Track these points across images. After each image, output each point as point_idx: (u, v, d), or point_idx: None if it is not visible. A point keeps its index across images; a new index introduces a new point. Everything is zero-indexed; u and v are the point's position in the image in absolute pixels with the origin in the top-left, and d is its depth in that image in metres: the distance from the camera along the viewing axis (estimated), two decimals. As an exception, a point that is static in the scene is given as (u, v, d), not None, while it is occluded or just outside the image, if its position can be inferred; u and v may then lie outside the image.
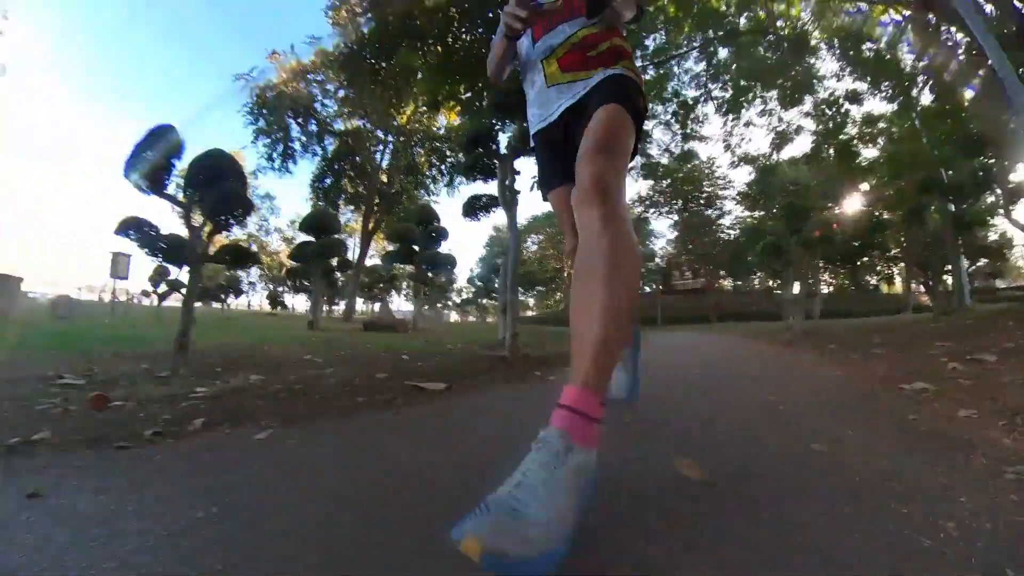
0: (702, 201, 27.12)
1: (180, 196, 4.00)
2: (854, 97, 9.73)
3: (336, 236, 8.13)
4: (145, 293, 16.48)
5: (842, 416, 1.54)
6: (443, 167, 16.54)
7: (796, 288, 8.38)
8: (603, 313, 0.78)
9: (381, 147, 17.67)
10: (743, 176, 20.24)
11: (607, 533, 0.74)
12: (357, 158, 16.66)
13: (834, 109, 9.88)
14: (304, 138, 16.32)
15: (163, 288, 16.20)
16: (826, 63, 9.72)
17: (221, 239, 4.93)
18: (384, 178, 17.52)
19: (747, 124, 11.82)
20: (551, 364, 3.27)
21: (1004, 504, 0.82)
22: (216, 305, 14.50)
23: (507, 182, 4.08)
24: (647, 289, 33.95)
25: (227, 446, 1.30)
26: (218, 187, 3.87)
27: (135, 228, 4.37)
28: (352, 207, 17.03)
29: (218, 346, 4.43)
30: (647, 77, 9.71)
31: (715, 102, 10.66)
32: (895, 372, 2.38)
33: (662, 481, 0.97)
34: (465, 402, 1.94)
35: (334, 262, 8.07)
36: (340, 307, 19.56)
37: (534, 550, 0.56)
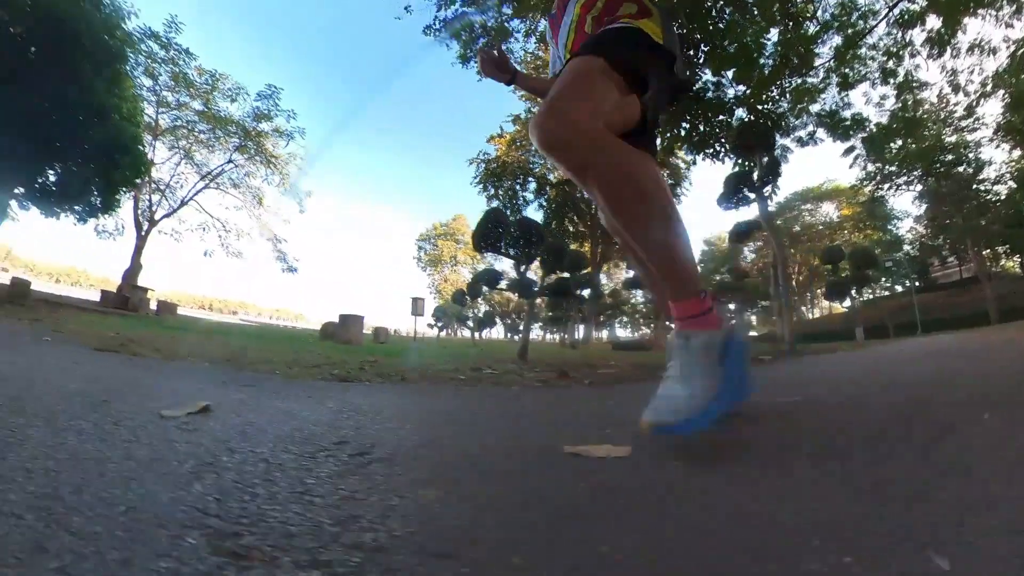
0: (948, 157, 18.87)
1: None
2: None
3: (586, 272, 9.80)
4: (430, 326, 22.04)
5: None
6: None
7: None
8: (645, 247, 0.97)
9: (596, 187, 19.71)
10: (996, 108, 14.03)
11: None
12: (575, 201, 19.10)
13: None
14: (527, 194, 19.75)
15: (442, 323, 21.45)
16: None
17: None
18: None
19: (971, 50, 8.64)
20: (814, 352, 5.19)
21: None
22: (476, 335, 18.79)
23: (770, 209, 4.74)
24: (898, 288, 26.01)
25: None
26: (542, 243, 5.66)
27: (487, 277, 6.62)
28: (576, 244, 19.42)
29: (534, 358, 6.15)
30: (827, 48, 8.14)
31: (920, 52, 8.23)
32: None
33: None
34: (778, 365, 3.22)
35: (586, 293, 9.81)
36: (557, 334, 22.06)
37: (680, 416, 0.85)
